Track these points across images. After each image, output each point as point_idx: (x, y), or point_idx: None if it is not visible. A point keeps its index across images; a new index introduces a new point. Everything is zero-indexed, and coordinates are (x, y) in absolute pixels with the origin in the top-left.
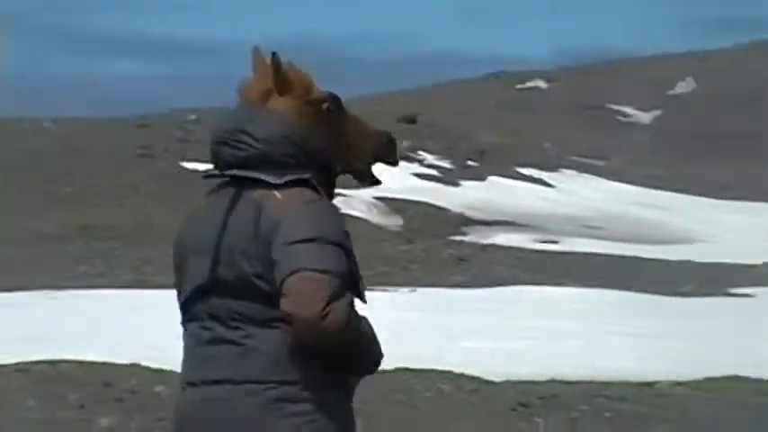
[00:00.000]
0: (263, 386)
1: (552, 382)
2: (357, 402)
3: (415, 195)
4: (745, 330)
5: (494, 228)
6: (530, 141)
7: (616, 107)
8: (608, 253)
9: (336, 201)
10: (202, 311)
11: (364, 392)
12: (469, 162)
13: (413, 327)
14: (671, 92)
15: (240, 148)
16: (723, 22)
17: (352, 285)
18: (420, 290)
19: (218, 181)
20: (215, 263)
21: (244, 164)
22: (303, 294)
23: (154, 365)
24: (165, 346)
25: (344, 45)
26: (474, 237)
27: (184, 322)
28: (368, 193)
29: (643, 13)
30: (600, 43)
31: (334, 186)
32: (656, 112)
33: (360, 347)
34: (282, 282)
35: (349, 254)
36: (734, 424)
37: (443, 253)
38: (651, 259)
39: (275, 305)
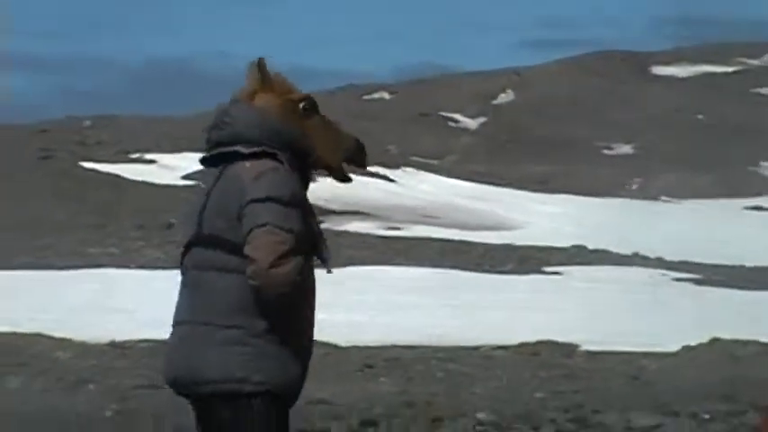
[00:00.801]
0: (216, 328)
1: (393, 347)
2: None
3: None
4: (554, 302)
5: (345, 217)
6: (376, 144)
7: (448, 114)
8: (442, 238)
9: None
10: (188, 262)
11: None
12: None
13: None
14: (494, 102)
15: (222, 129)
16: (536, 43)
17: (311, 247)
18: None
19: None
20: (200, 222)
21: (224, 141)
22: (265, 244)
23: (55, 335)
24: (64, 319)
25: (207, 62)
26: (329, 224)
27: (181, 274)
28: None
29: (469, 34)
30: (433, 60)
31: (308, 174)
32: (482, 119)
33: (290, 310)
34: (251, 230)
35: (306, 215)
36: (546, 381)
37: None
38: (478, 243)
39: (239, 255)
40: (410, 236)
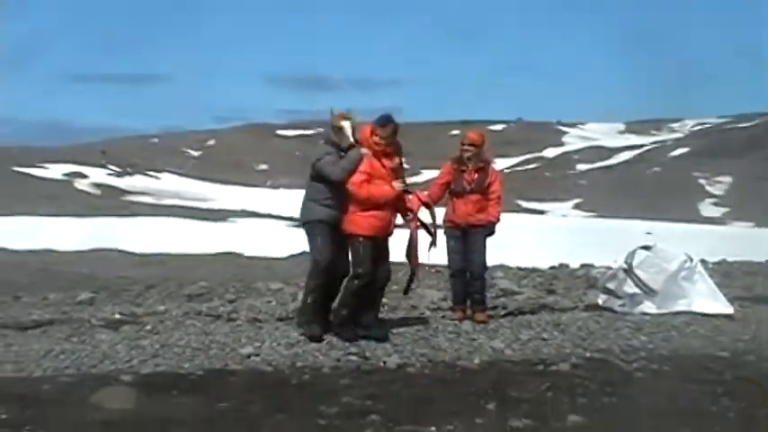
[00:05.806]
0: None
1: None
2: None
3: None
4: None
5: (136, 195)
6: (150, 161)
7: (184, 149)
8: (179, 205)
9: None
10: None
11: None
12: (127, 169)
13: None
14: (205, 144)
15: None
16: (219, 118)
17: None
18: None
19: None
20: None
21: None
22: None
23: None
24: None
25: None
26: (127, 199)
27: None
28: (89, 181)
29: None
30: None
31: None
32: (200, 152)
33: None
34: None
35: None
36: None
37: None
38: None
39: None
40: (166, 203)
